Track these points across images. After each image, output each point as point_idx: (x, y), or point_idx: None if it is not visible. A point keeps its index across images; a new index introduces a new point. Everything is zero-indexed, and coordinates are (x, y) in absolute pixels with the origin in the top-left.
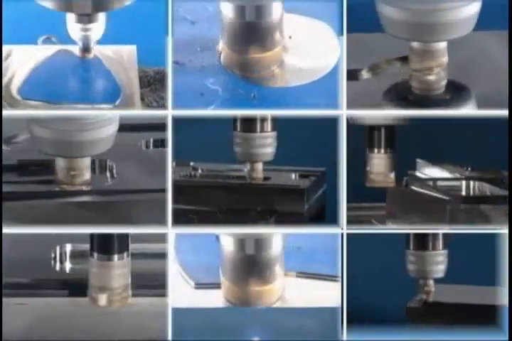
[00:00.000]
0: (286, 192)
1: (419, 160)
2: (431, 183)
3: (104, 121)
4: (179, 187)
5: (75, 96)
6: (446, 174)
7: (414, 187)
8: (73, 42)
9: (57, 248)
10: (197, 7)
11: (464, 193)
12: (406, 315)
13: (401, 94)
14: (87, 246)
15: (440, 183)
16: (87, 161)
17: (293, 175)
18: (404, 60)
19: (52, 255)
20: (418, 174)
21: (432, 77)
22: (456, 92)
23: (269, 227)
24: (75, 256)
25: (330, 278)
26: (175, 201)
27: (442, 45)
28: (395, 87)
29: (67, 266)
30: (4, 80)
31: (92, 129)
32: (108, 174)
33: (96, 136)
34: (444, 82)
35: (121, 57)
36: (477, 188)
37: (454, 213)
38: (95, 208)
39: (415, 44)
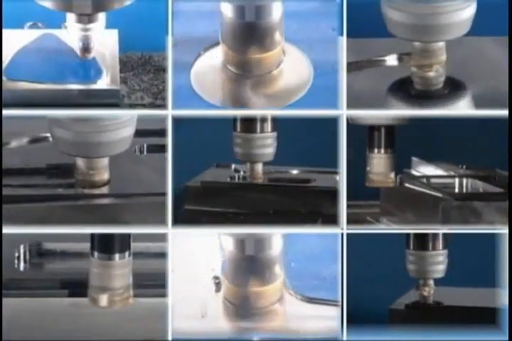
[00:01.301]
0: (332, 194)
1: (414, 159)
2: (424, 181)
3: (122, 123)
4: (224, 189)
5: (58, 76)
6: (440, 172)
7: (408, 185)
8: (58, 28)
9: (21, 246)
10: None
11: (457, 190)
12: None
13: (404, 89)
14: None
15: (434, 181)
16: (105, 161)
17: (337, 177)
18: (407, 55)
19: (16, 254)
20: (413, 172)
21: (431, 74)
22: (453, 87)
23: (269, 227)
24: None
25: (332, 302)
26: (219, 203)
27: (441, 44)
28: (398, 83)
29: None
30: None
31: (110, 131)
32: None
33: (114, 137)
34: (442, 78)
35: (104, 41)
36: (470, 186)
37: (446, 210)
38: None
39: (417, 44)
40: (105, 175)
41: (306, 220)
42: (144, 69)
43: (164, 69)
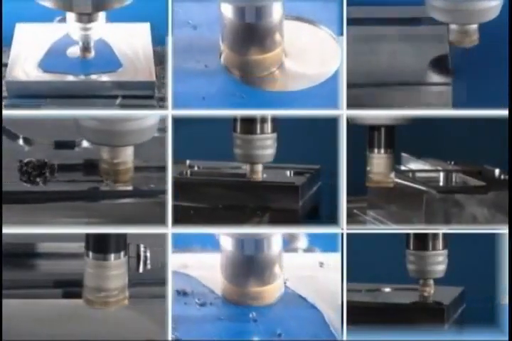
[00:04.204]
0: (281, 189)
1: (404, 155)
2: (410, 175)
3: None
4: (175, 185)
5: (81, 68)
6: (428, 167)
7: (395, 179)
8: None
9: None
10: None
11: (441, 184)
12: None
13: (442, 65)
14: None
15: (419, 175)
16: (130, 150)
17: (288, 172)
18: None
19: None
20: (403, 168)
21: None
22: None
23: (269, 227)
24: None
25: None
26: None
27: (474, 26)
28: (437, 59)
29: None
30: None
31: (134, 119)
32: None
33: (138, 126)
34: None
35: (131, 34)
36: (455, 180)
37: (430, 202)
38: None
39: (453, 26)
40: (129, 164)
41: (252, 215)
42: None
43: None
